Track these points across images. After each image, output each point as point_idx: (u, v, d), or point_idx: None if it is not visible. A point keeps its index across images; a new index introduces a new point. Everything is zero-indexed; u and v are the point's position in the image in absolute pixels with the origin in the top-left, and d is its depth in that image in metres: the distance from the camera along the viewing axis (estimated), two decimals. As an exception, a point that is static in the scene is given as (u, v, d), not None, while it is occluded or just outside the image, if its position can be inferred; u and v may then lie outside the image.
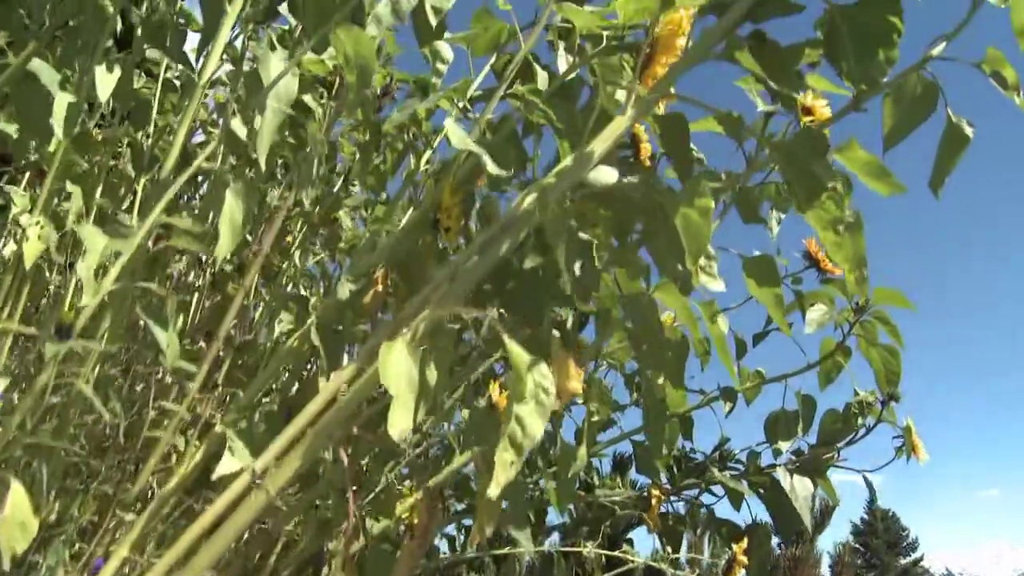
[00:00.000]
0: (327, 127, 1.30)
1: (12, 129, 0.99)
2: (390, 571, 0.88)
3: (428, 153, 1.31)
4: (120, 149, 1.27)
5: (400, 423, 0.59)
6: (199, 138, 1.50)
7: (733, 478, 1.56)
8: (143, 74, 1.33)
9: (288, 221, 1.43)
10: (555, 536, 1.65)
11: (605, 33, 1.04)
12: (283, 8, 1.24)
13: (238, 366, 1.15)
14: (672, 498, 1.61)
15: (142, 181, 1.12)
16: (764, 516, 1.61)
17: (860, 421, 1.58)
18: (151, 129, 1.07)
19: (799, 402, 1.58)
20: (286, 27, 1.45)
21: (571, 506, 1.61)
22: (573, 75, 1.06)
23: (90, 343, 0.63)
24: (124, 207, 1.28)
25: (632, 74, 0.95)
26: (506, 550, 1.37)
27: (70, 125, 0.75)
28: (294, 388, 1.30)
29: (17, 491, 0.54)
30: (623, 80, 1.07)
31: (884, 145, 0.90)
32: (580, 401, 1.24)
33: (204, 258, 1.30)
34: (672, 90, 0.86)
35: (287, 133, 1.22)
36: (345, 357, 0.93)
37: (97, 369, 0.80)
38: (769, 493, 1.52)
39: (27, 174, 1.05)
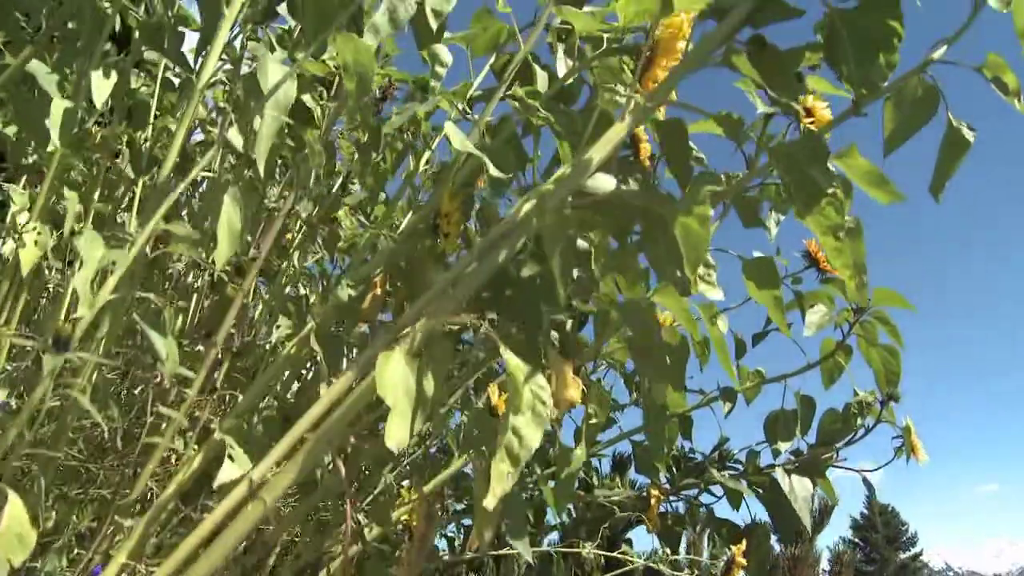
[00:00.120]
0: (326, 127, 1.29)
1: (10, 131, 0.99)
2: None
3: (427, 154, 1.31)
4: (119, 147, 1.26)
5: (397, 434, 0.59)
6: (198, 136, 1.50)
7: (732, 478, 1.56)
8: (141, 73, 1.33)
9: (288, 220, 1.43)
10: (554, 535, 1.66)
11: (605, 36, 1.04)
12: (282, 8, 1.23)
13: (237, 368, 1.15)
14: (671, 498, 1.61)
15: (140, 183, 1.12)
16: (763, 516, 1.61)
17: (859, 421, 1.57)
18: (149, 132, 1.07)
19: (798, 402, 1.58)
20: (285, 27, 1.44)
21: (570, 506, 1.61)
22: (572, 77, 1.06)
23: (87, 355, 0.63)
24: (123, 207, 1.28)
25: (632, 77, 0.95)
26: (505, 550, 1.37)
27: (67, 130, 0.75)
28: (293, 388, 1.30)
29: (15, 503, 0.54)
30: (623, 82, 1.07)
31: (885, 149, 0.89)
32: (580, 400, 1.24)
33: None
34: (673, 95, 0.86)
35: (287, 133, 1.22)
36: (344, 361, 0.93)
37: (95, 375, 0.80)
38: (768, 493, 1.52)
39: (24, 177, 1.05)
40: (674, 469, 1.63)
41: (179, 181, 1.24)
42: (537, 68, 1.15)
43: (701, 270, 0.85)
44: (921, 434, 1.58)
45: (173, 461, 0.92)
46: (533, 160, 1.15)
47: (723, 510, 1.63)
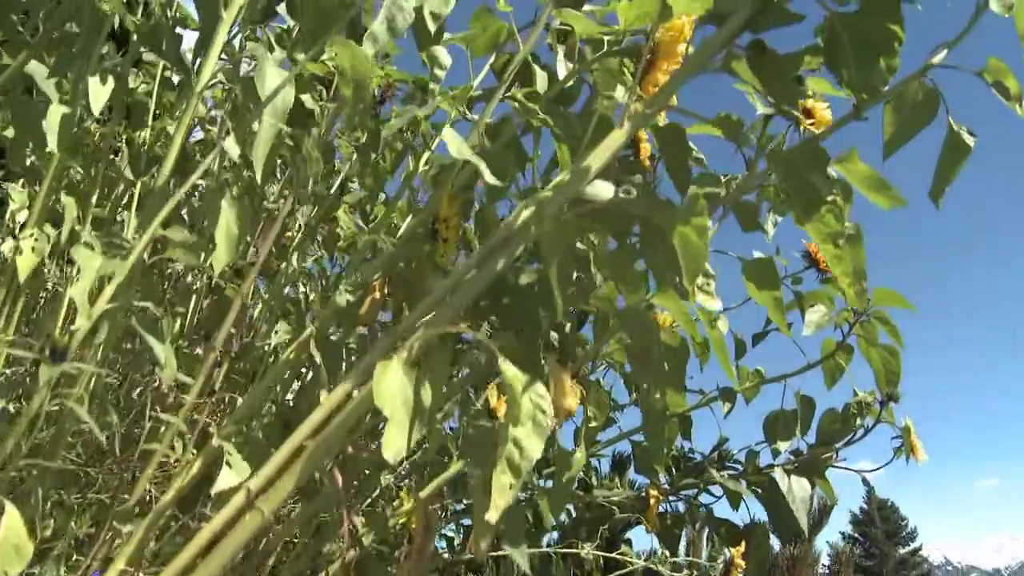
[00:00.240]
0: (326, 128, 1.29)
1: (8, 133, 0.99)
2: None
3: (427, 154, 1.30)
4: (118, 144, 1.26)
5: (395, 444, 0.59)
6: (198, 134, 1.50)
7: (731, 478, 1.56)
8: (140, 73, 1.32)
9: (287, 220, 1.43)
10: (554, 533, 1.66)
11: (606, 38, 1.04)
12: (281, 8, 1.23)
13: (236, 369, 1.15)
14: (671, 498, 1.61)
15: (139, 184, 1.12)
16: (763, 515, 1.61)
17: (859, 421, 1.57)
18: (148, 134, 1.06)
19: (798, 402, 1.58)
20: (284, 26, 1.44)
21: (570, 506, 1.61)
22: (572, 80, 1.06)
23: (85, 366, 0.63)
24: (121, 206, 1.27)
25: (632, 80, 0.94)
26: (505, 550, 1.37)
27: (64, 135, 0.75)
28: (292, 389, 1.30)
29: (11, 514, 0.54)
30: (623, 84, 1.06)
31: (884, 152, 0.89)
32: (580, 400, 1.24)
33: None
34: (673, 99, 0.86)
35: (286, 133, 1.21)
36: (343, 364, 0.92)
37: (93, 380, 0.80)
38: (767, 494, 1.52)
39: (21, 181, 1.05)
40: (673, 469, 1.63)
41: (178, 183, 1.24)
42: (537, 68, 1.15)
43: (700, 280, 0.84)
44: (922, 429, 1.58)
45: (172, 463, 0.92)
46: (533, 159, 1.15)
47: (722, 510, 1.64)
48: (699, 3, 0.70)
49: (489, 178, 0.75)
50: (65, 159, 0.87)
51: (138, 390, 1.05)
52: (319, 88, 1.37)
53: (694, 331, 1.07)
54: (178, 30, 1.21)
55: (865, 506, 17.31)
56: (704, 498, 1.62)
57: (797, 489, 1.49)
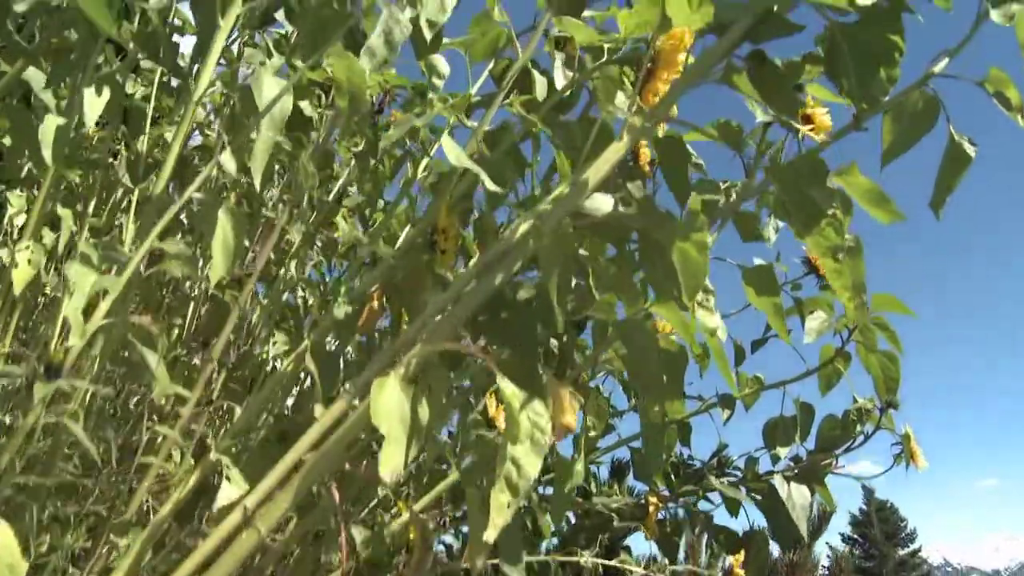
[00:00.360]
0: (324, 134, 1.29)
1: (5, 141, 0.98)
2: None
3: (425, 160, 1.30)
4: (117, 148, 1.25)
5: (392, 462, 0.58)
6: (197, 138, 1.49)
7: (731, 485, 1.55)
8: (138, 78, 1.32)
9: (287, 225, 1.42)
10: (553, 540, 1.65)
11: (606, 46, 1.03)
12: (279, 14, 1.22)
13: (234, 377, 1.15)
14: (670, 504, 1.61)
15: (136, 191, 1.11)
16: (762, 522, 1.60)
17: (859, 428, 1.57)
18: (145, 142, 1.06)
19: (798, 408, 1.57)
20: (283, 31, 1.43)
21: (569, 513, 1.61)
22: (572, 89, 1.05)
23: (80, 382, 0.62)
24: (120, 209, 1.27)
25: (632, 88, 0.94)
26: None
27: (60, 148, 0.74)
28: (292, 392, 1.29)
29: (5, 532, 0.53)
30: (623, 90, 1.06)
31: (882, 161, 0.89)
32: (579, 406, 1.24)
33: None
34: (674, 109, 0.85)
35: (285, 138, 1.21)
36: (341, 375, 0.92)
37: (88, 394, 0.80)
38: (766, 500, 1.52)
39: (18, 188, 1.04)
40: (672, 476, 1.62)
41: (176, 189, 1.23)
42: (536, 74, 1.14)
43: (699, 296, 0.84)
44: (921, 430, 1.57)
45: (171, 466, 0.92)
46: (532, 165, 1.15)
47: (722, 517, 1.63)
48: (699, 16, 0.69)
49: (490, 186, 0.74)
50: (61, 169, 0.87)
51: (135, 399, 1.04)
52: (318, 93, 1.37)
53: (693, 340, 1.07)
54: (177, 35, 1.21)
55: (864, 507, 17.32)
56: (703, 505, 1.62)
57: (797, 496, 1.48)
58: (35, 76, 0.93)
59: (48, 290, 1.16)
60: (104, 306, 0.64)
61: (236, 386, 1.17)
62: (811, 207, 0.72)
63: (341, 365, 0.89)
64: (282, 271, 1.39)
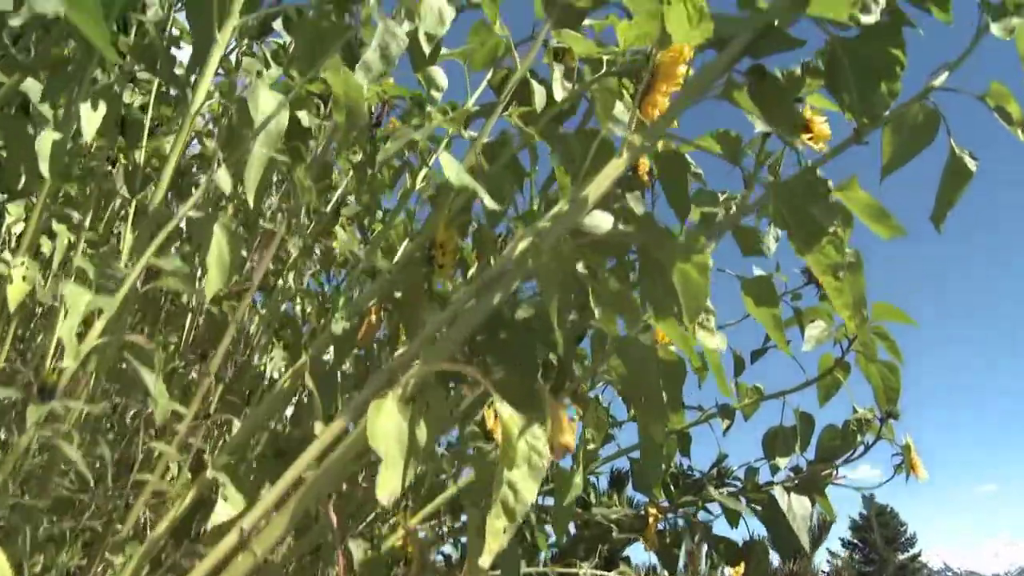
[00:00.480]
0: (323, 144, 1.28)
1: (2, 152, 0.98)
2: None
3: (424, 170, 1.29)
4: (114, 157, 1.25)
5: (389, 485, 0.58)
6: (195, 147, 1.49)
7: (731, 495, 1.54)
8: (136, 88, 1.31)
9: (285, 236, 1.42)
10: (551, 551, 1.64)
11: (605, 57, 1.03)
12: (277, 24, 1.22)
13: (232, 390, 1.14)
14: (670, 515, 1.60)
15: (134, 203, 1.11)
16: (762, 531, 1.60)
17: (859, 438, 1.56)
18: (142, 153, 1.05)
19: (797, 419, 1.57)
20: (281, 41, 1.43)
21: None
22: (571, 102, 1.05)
23: (75, 403, 0.62)
24: (119, 218, 1.26)
25: (632, 101, 0.93)
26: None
27: (56, 162, 0.74)
28: (291, 402, 1.29)
29: (-2, 557, 0.53)
30: (621, 104, 1.05)
31: (882, 173, 0.88)
32: (577, 416, 1.23)
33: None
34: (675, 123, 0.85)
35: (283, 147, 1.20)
36: (339, 392, 0.91)
37: (83, 412, 0.79)
38: (766, 511, 1.51)
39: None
40: (672, 487, 1.62)
41: (174, 199, 1.23)
42: (535, 84, 1.14)
43: (700, 317, 0.83)
44: (920, 430, 1.58)
45: (168, 478, 0.91)
46: (530, 174, 1.14)
47: (721, 527, 1.63)
48: (699, 31, 0.69)
49: (490, 204, 0.74)
50: (58, 182, 0.86)
51: (131, 413, 1.04)
52: (316, 103, 1.36)
53: (692, 354, 1.07)
54: (177, 45, 1.21)
55: (864, 512, 17.30)
56: (703, 515, 1.61)
57: (797, 507, 1.48)
58: (33, 87, 0.92)
59: (47, 301, 1.15)
60: (99, 325, 0.64)
61: (234, 398, 1.16)
62: (812, 225, 0.71)
63: (339, 380, 0.89)
64: (280, 282, 1.38)
